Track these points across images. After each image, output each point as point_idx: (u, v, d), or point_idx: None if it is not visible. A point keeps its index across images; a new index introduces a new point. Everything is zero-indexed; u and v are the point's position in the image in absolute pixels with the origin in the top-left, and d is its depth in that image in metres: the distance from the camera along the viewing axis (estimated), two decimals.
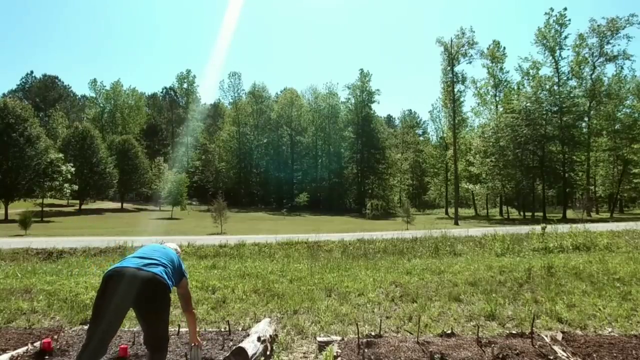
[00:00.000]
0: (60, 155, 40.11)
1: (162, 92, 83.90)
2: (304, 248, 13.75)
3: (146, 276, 2.76)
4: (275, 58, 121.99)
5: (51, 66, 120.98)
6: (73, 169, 39.87)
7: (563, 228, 14.82)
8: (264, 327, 3.96)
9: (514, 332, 4.22)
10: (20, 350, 3.58)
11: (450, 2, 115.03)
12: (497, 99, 54.06)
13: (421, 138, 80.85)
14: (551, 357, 3.39)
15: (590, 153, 47.91)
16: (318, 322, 4.95)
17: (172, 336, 3.96)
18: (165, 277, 2.86)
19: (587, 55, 46.38)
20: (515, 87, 52.22)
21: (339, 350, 3.58)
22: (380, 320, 4.75)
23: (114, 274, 2.77)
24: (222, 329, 4.29)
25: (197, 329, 4.37)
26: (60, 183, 38.56)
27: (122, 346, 3.55)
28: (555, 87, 46.14)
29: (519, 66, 50.71)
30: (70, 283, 6.82)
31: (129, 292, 2.71)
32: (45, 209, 36.61)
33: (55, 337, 3.85)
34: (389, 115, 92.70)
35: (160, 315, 2.88)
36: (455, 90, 50.45)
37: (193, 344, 3.32)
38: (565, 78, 47.38)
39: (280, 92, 75.56)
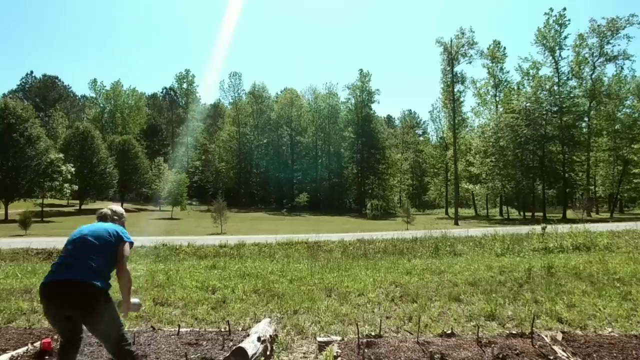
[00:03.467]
0: (61, 155, 40.12)
1: (162, 92, 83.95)
2: (304, 248, 13.76)
3: (70, 286, 2.71)
4: (275, 58, 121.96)
5: (51, 66, 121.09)
6: (73, 169, 39.87)
7: (563, 228, 14.82)
8: (264, 327, 3.96)
9: (514, 332, 4.21)
10: (20, 350, 3.58)
11: (450, 2, 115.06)
12: (497, 99, 54.06)
13: (421, 138, 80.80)
14: (551, 357, 3.39)
15: (590, 153, 47.91)
16: (318, 322, 4.94)
17: (172, 336, 3.96)
18: (93, 276, 2.77)
19: (587, 55, 46.45)
20: (515, 87, 52.22)
21: (339, 351, 3.58)
22: (380, 320, 4.75)
23: (43, 287, 2.77)
24: (222, 329, 4.28)
25: (197, 329, 4.38)
26: (60, 183, 38.56)
27: None
28: (555, 87, 46.14)
29: (519, 66, 50.77)
30: None
31: (59, 305, 2.72)
32: (45, 209, 36.61)
33: (55, 337, 3.84)
34: (389, 115, 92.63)
35: (98, 321, 2.76)
36: (455, 90, 50.47)
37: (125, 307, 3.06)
38: (565, 78, 47.41)
39: (280, 92, 75.57)
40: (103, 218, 3.27)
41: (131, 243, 3.14)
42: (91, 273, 2.79)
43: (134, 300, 3.25)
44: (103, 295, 2.79)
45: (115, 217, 3.31)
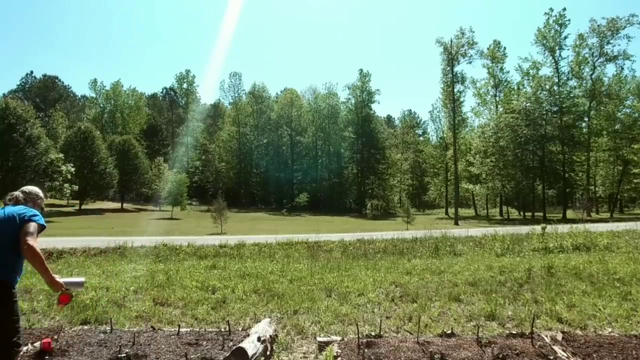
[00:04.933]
0: (61, 155, 40.18)
1: (162, 92, 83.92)
2: (304, 248, 13.74)
3: None
4: (275, 58, 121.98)
5: (51, 66, 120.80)
6: (73, 169, 39.92)
7: (563, 228, 14.83)
8: (264, 327, 3.96)
9: (514, 332, 4.22)
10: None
11: (450, 2, 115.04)
12: (497, 99, 54.07)
13: (421, 138, 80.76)
14: (551, 357, 3.39)
15: (590, 153, 47.91)
16: (318, 322, 4.94)
17: (172, 336, 3.96)
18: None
19: (587, 56, 46.46)
20: (515, 87, 52.24)
21: (339, 351, 3.58)
22: (380, 320, 4.75)
23: None
24: (222, 329, 4.28)
25: (197, 329, 4.37)
26: (60, 183, 38.63)
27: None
28: (555, 87, 46.15)
29: (519, 66, 50.79)
30: None
31: None
32: (45, 209, 36.61)
33: (55, 337, 3.84)
34: (389, 115, 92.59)
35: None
36: (455, 90, 50.47)
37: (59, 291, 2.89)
38: (565, 78, 47.42)
39: (280, 92, 75.57)
40: (14, 202, 3.03)
41: (41, 226, 2.91)
42: None
43: (73, 279, 3.09)
44: (6, 290, 2.68)
45: (29, 199, 3.08)
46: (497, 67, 53.67)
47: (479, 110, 56.55)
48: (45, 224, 2.98)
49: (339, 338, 4.07)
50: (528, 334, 3.91)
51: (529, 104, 43.32)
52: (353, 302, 5.82)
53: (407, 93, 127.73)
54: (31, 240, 2.73)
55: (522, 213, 49.30)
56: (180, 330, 4.18)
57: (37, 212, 2.97)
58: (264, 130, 66.63)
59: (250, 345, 3.35)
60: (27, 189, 3.16)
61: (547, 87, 46.19)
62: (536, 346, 3.65)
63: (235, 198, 59.58)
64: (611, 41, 44.91)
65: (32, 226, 2.81)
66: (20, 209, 2.91)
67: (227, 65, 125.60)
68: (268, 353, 3.72)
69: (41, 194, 3.21)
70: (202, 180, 67.48)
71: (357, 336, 3.83)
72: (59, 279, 2.89)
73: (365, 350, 3.54)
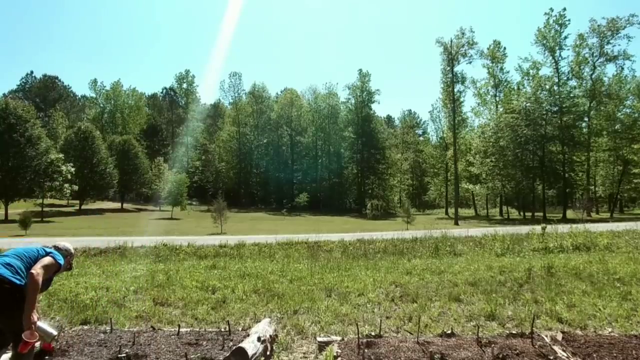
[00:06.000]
0: (61, 155, 40.19)
1: (162, 92, 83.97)
2: (304, 248, 13.76)
3: None
4: (275, 58, 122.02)
5: (51, 66, 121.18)
6: (73, 169, 39.91)
7: (563, 228, 14.85)
8: (264, 327, 3.96)
9: (514, 332, 4.21)
10: None
11: (450, 2, 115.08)
12: (497, 99, 54.05)
13: (421, 138, 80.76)
14: (551, 357, 3.39)
15: (590, 153, 47.91)
16: (318, 322, 4.94)
17: (172, 336, 3.96)
18: (8, 273, 2.97)
19: (587, 55, 46.43)
20: (515, 87, 52.22)
21: (339, 351, 3.58)
22: (380, 320, 4.75)
23: None
24: (222, 329, 4.28)
25: (197, 329, 4.38)
26: (60, 183, 38.62)
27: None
28: (555, 87, 46.16)
29: (519, 66, 50.77)
30: (70, 283, 6.82)
31: None
32: (45, 209, 36.64)
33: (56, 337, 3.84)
34: (388, 115, 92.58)
35: (10, 314, 2.93)
36: (455, 90, 50.46)
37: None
38: (565, 78, 47.39)
39: (280, 92, 75.61)
40: None
41: (59, 264, 3.24)
42: (5, 268, 3.00)
43: (47, 327, 3.28)
44: (13, 290, 2.95)
45: (65, 249, 3.49)
46: (497, 67, 53.68)
47: (479, 110, 56.61)
48: (62, 263, 3.30)
49: (339, 338, 4.07)
50: (528, 334, 3.91)
51: (529, 104, 43.33)
52: (353, 302, 5.82)
53: (407, 93, 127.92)
54: (39, 270, 3.07)
55: (522, 213, 49.30)
56: (180, 330, 4.17)
57: (61, 256, 3.35)
58: (264, 130, 66.64)
59: (250, 345, 3.35)
60: (60, 244, 3.52)
61: (547, 87, 46.21)
62: (536, 346, 3.64)
63: (235, 198, 59.60)
64: (611, 41, 44.95)
65: (48, 260, 3.19)
66: (49, 247, 3.37)
67: (227, 65, 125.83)
68: (268, 353, 3.72)
69: (72, 251, 3.57)
70: (202, 180, 67.51)
71: (357, 336, 3.83)
72: (37, 319, 3.11)
73: (365, 350, 3.53)
